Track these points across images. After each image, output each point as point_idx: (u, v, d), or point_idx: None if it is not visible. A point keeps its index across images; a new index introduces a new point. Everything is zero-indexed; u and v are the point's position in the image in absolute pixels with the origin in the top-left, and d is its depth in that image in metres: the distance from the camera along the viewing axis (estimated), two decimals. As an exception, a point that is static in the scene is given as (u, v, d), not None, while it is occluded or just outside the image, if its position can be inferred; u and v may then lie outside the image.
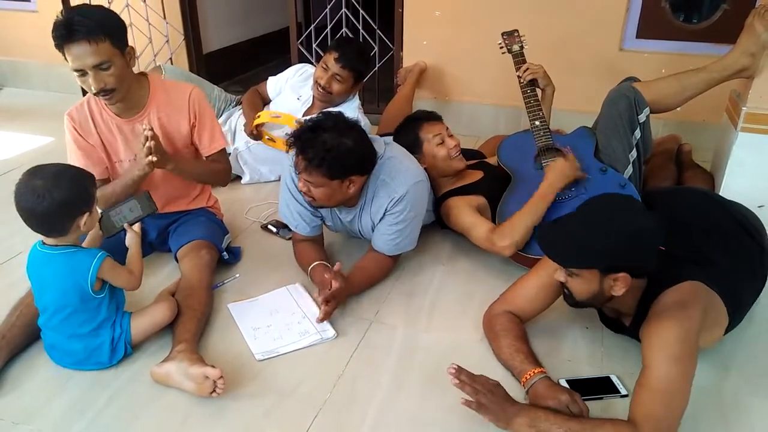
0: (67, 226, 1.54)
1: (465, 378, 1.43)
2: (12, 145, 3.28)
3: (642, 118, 2.14)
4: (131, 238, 1.72)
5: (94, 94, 1.82)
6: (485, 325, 1.76)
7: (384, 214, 1.98)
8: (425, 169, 2.18)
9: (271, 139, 2.54)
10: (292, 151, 1.82)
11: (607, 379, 1.62)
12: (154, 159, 1.81)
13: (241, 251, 2.24)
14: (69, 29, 1.69)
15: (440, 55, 3.35)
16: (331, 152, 1.76)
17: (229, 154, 2.71)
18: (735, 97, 2.37)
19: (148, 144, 1.79)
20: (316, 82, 2.64)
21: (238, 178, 2.83)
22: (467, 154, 2.66)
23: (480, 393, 1.41)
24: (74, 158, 1.96)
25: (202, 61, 4.00)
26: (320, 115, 1.86)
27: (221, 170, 2.14)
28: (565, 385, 1.57)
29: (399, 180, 1.95)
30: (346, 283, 1.87)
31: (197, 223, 2.13)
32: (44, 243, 1.59)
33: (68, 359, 1.64)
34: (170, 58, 3.81)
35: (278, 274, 2.10)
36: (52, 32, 1.71)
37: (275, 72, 2.99)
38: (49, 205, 1.48)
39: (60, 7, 3.32)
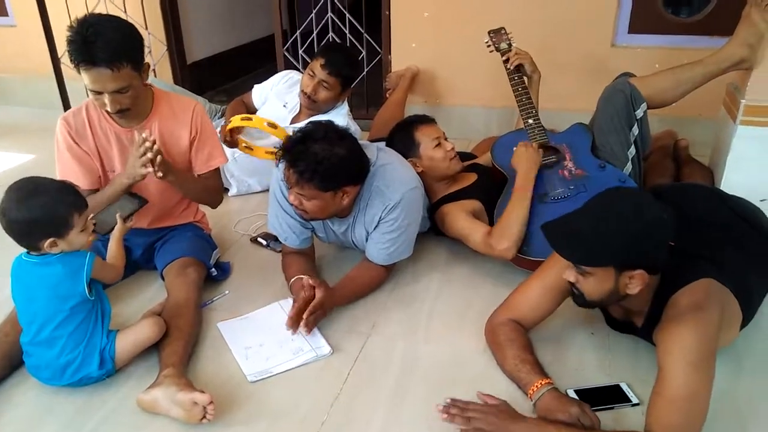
0: (34, 244, 1.52)
1: (455, 411, 1.38)
2: (-9, 163, 3.19)
3: (639, 113, 2.08)
4: (117, 229, 1.71)
5: (108, 113, 1.77)
6: (488, 335, 1.68)
7: (378, 222, 1.90)
8: (420, 173, 2.12)
9: (249, 147, 2.45)
10: (281, 164, 1.75)
11: (617, 388, 1.55)
12: (159, 174, 1.76)
13: (231, 266, 2.16)
14: (90, 54, 1.62)
15: (429, 58, 3.28)
16: (322, 164, 1.68)
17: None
18: (732, 89, 2.32)
19: (148, 155, 1.73)
20: (302, 90, 2.56)
21: (225, 190, 2.74)
22: (460, 156, 2.60)
23: (475, 419, 1.35)
24: (64, 164, 1.89)
25: (187, 72, 3.91)
26: (309, 125, 1.78)
27: (216, 188, 2.09)
28: (574, 395, 1.50)
29: (393, 187, 1.88)
30: (331, 294, 1.81)
31: (184, 239, 2.05)
32: (29, 252, 1.55)
33: (57, 376, 1.55)
34: (153, 69, 3.72)
35: (269, 288, 2.02)
36: (69, 49, 1.64)
37: (262, 80, 2.92)
38: (12, 219, 1.48)
39: (38, 22, 3.27)
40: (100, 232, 1.69)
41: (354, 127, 2.63)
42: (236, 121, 2.40)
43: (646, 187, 2.24)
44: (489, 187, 2.20)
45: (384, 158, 1.93)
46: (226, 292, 2.02)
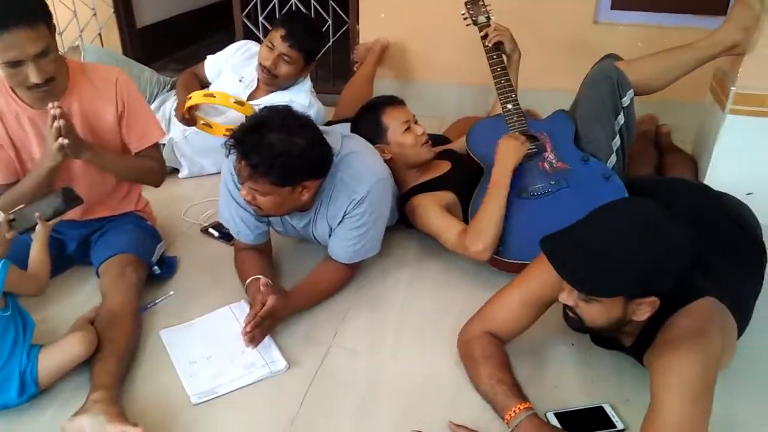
0: None
1: None
2: None
3: (626, 101, 1.92)
4: (39, 232, 1.45)
5: (30, 88, 1.52)
6: (461, 349, 1.53)
7: (343, 217, 1.72)
8: (388, 161, 1.94)
9: (207, 125, 2.22)
10: (232, 155, 1.53)
11: (600, 410, 1.41)
12: (65, 141, 1.50)
13: (177, 262, 1.94)
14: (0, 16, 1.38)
15: (400, 29, 3.04)
16: (280, 157, 1.48)
17: (164, 145, 2.41)
18: (721, 75, 2.17)
19: (56, 124, 1.49)
20: (260, 64, 2.32)
21: (176, 171, 2.51)
22: (432, 140, 2.42)
23: None
24: None
25: (136, 38, 3.58)
26: (264, 110, 1.57)
27: (153, 168, 1.84)
28: (554, 421, 1.37)
29: (360, 179, 1.69)
30: (287, 299, 1.64)
31: (123, 232, 1.83)
32: None
33: None
34: (99, 35, 3.39)
35: (221, 288, 1.82)
36: None
37: (218, 48, 2.66)
38: None
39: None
40: (17, 228, 1.44)
41: (317, 106, 2.42)
42: (197, 97, 2.18)
43: (628, 177, 2.09)
44: (464, 178, 2.02)
45: (349, 146, 1.73)
46: (171, 293, 1.81)
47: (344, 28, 3.17)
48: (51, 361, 1.40)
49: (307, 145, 1.53)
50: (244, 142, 1.48)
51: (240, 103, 2.16)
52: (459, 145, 2.24)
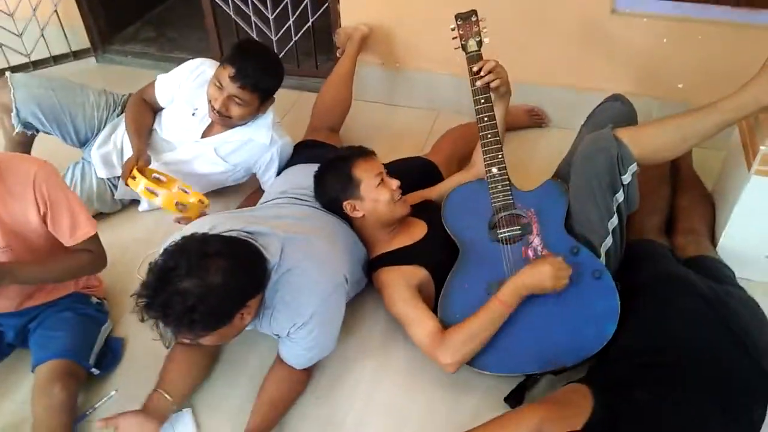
0: None
1: None
2: None
3: (627, 179, 1.61)
4: None
5: None
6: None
7: (288, 333, 1.54)
8: (360, 219, 1.77)
9: (153, 192, 1.93)
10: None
11: None
12: None
13: (124, 345, 1.80)
14: None
15: (387, 8, 2.63)
16: (198, 308, 1.29)
17: (118, 177, 2.19)
18: (752, 121, 1.81)
19: None
20: (210, 102, 2.00)
21: (136, 203, 2.30)
22: (412, 168, 2.17)
23: None
24: None
25: (98, 6, 3.16)
26: (165, 253, 1.35)
27: (88, 263, 1.67)
28: None
29: (303, 299, 1.50)
30: None
31: (59, 326, 1.69)
32: None
33: None
34: (55, 11, 3.03)
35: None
36: None
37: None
38: None
39: None
40: None
41: (281, 141, 2.13)
42: (140, 180, 1.93)
43: (630, 235, 1.81)
44: (441, 246, 1.78)
45: (290, 260, 1.51)
46: (112, 393, 1.68)
47: (324, 7, 2.75)
48: None
49: (227, 279, 1.33)
50: (154, 304, 1.29)
51: (183, 204, 1.89)
52: (442, 191, 1.96)
